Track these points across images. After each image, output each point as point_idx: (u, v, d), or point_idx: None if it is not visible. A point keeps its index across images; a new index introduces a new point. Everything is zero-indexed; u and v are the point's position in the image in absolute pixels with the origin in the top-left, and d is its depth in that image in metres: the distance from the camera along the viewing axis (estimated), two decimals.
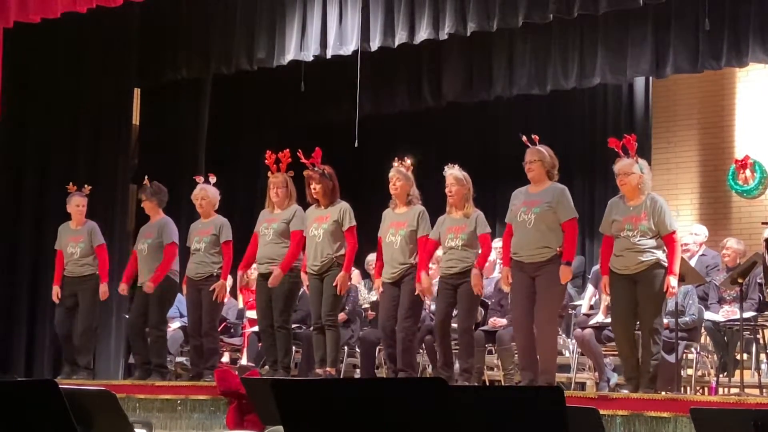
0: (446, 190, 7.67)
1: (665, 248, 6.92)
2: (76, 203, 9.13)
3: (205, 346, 8.51)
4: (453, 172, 7.69)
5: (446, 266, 7.64)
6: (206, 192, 8.64)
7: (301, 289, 8.30)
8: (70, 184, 9.22)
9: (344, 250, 7.91)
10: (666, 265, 6.87)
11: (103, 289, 9.05)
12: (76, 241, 9.11)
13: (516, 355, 8.47)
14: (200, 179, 8.76)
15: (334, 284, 7.81)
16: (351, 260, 7.96)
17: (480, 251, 7.59)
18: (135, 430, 4.57)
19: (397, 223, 7.73)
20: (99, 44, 10.91)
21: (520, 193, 7.40)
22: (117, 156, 11.17)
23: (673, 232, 6.95)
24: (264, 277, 8.15)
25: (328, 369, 7.87)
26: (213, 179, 8.71)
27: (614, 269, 6.99)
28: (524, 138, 7.43)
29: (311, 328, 8.19)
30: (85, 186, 9.22)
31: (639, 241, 6.84)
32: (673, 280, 6.84)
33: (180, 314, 10.22)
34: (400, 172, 7.77)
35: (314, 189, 7.89)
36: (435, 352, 8.04)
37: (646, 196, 6.97)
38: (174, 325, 9.91)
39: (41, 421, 3.22)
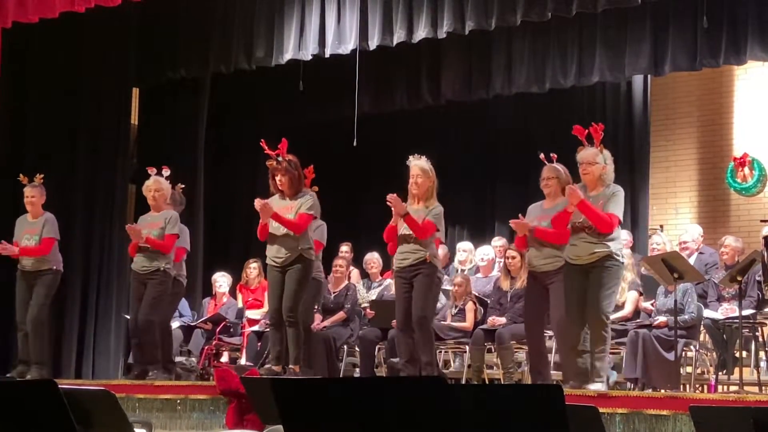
0: (411, 181, 7.47)
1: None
2: (26, 194, 8.84)
3: (143, 339, 8.35)
4: (419, 164, 7.47)
5: (400, 258, 7.46)
6: (160, 184, 8.43)
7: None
8: (21, 176, 8.93)
9: (309, 243, 7.72)
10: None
11: (11, 247, 8.68)
12: (32, 233, 8.81)
13: (515, 354, 8.50)
14: (153, 170, 8.48)
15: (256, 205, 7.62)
16: (289, 222, 7.59)
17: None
18: (135, 429, 4.57)
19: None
20: (97, 44, 10.90)
21: (535, 207, 7.39)
22: (116, 156, 11.17)
23: (613, 217, 6.74)
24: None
25: (292, 367, 7.66)
26: (166, 172, 8.49)
27: (568, 258, 6.89)
28: (542, 155, 7.40)
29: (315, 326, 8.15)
30: (37, 176, 8.90)
31: (593, 231, 6.75)
32: (573, 193, 6.68)
33: (179, 314, 10.22)
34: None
35: (280, 181, 7.71)
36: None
37: (608, 187, 6.87)
38: (174, 325, 9.88)
39: (41, 421, 3.21)
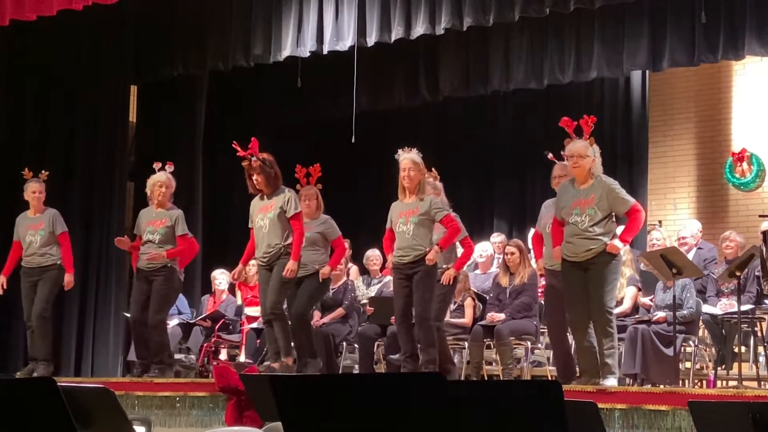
0: (403, 174, 7.29)
1: (616, 234, 6.74)
2: (33, 190, 8.70)
3: (152, 339, 8.27)
4: (410, 156, 7.30)
5: (399, 255, 7.32)
6: (170, 181, 8.33)
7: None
8: (26, 170, 8.80)
9: (291, 239, 7.66)
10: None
11: (68, 279, 8.62)
12: (36, 229, 8.68)
13: (515, 350, 8.51)
14: (158, 165, 8.37)
15: (283, 273, 7.56)
16: (299, 248, 7.64)
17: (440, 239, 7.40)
18: (134, 427, 4.56)
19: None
20: (95, 42, 10.90)
21: (549, 205, 7.36)
22: (114, 153, 11.17)
23: (634, 204, 6.75)
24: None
25: (284, 360, 7.63)
26: (170, 167, 8.38)
27: (565, 256, 6.80)
28: (550, 155, 7.38)
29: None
30: (42, 172, 8.78)
31: (587, 227, 6.66)
32: (618, 244, 6.59)
33: (178, 311, 10.22)
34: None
35: (256, 180, 7.71)
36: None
37: (596, 179, 6.74)
38: (172, 322, 9.88)
39: (40, 420, 3.21)
